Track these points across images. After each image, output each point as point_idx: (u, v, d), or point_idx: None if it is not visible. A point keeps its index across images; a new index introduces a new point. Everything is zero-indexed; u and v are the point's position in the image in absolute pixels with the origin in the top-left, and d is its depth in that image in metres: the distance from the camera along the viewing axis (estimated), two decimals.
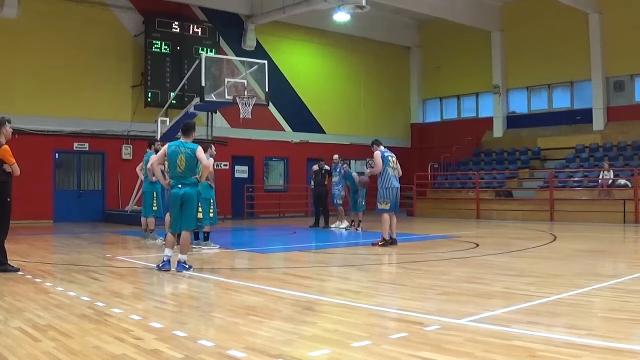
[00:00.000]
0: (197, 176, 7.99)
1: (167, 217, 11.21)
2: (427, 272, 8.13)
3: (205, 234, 10.84)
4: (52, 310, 5.40)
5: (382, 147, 11.26)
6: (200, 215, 8.52)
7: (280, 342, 4.31)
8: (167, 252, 7.93)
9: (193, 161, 7.94)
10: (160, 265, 7.93)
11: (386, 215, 10.97)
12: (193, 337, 4.41)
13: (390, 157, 11.18)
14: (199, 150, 7.95)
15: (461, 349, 4.06)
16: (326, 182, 16.47)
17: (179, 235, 8.07)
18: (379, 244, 11.02)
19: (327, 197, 16.55)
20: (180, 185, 7.91)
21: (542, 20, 23.15)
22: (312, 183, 17.10)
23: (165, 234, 11.23)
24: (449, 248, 10.93)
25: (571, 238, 13.11)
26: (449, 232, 14.23)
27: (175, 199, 7.97)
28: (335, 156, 16.22)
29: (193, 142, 8.13)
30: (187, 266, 7.84)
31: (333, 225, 16.13)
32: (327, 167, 16.50)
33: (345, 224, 15.91)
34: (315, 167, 16.77)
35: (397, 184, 11.07)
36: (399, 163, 11.41)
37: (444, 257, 9.71)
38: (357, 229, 15.06)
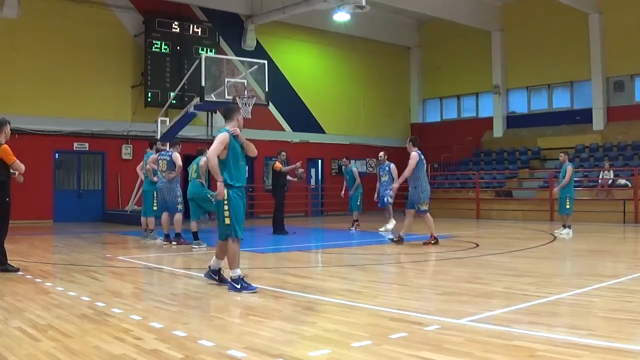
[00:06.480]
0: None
1: (164, 216, 11.26)
2: (427, 272, 8.13)
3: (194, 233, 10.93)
4: (52, 310, 5.39)
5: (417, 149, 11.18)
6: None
7: (280, 342, 4.30)
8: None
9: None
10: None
11: (429, 215, 11.54)
12: (193, 337, 4.40)
13: (424, 160, 11.33)
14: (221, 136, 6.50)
15: (461, 349, 4.06)
16: None
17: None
18: (431, 242, 11.16)
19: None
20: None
21: (542, 20, 23.14)
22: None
23: (165, 234, 11.33)
24: (449, 248, 10.91)
25: (571, 238, 13.10)
26: (449, 232, 14.20)
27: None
28: (381, 154, 14.84)
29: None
30: (237, 286, 6.35)
31: (382, 229, 14.53)
32: None
33: (392, 223, 14.42)
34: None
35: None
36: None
37: (444, 257, 9.70)
38: (355, 229, 15.02)
